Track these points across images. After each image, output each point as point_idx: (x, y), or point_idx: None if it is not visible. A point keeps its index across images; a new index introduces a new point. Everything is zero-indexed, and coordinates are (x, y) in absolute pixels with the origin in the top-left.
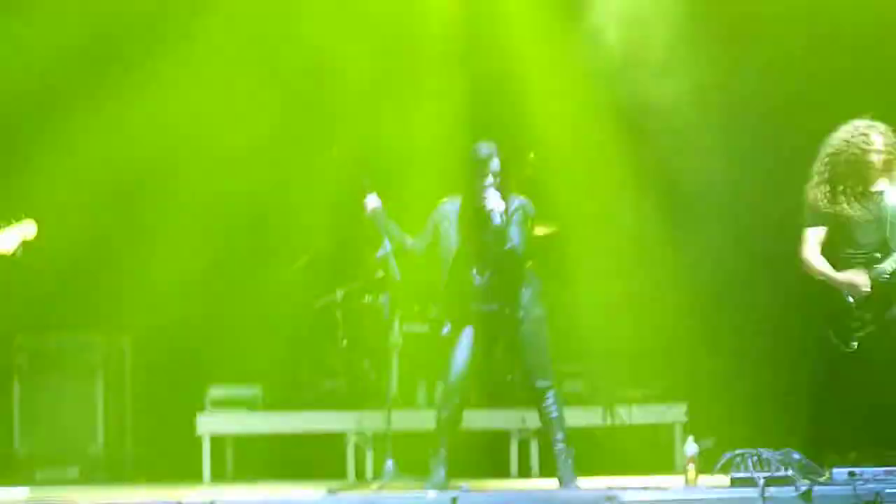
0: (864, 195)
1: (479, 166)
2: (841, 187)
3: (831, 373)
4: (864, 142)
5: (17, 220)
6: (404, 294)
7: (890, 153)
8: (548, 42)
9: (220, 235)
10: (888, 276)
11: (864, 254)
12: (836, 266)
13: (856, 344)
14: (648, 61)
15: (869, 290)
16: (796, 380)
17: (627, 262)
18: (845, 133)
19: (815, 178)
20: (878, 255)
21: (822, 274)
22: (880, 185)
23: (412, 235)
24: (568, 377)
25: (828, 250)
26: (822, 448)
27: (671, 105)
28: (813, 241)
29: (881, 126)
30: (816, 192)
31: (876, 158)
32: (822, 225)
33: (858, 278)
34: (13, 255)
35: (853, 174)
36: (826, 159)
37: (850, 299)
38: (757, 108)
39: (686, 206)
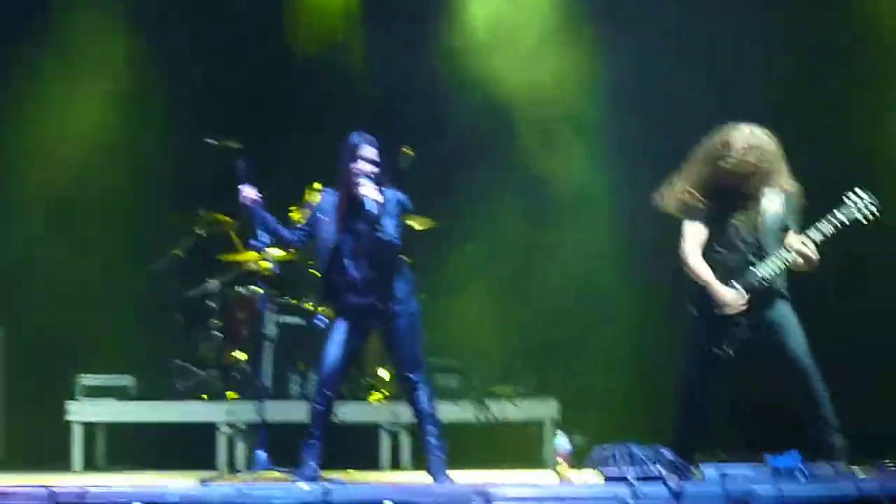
0: (744, 198)
1: (353, 155)
2: (720, 188)
3: (701, 373)
4: (745, 146)
5: None
6: (279, 286)
7: (769, 160)
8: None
9: (93, 223)
10: (761, 282)
11: (737, 256)
12: (708, 262)
13: (731, 351)
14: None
15: (740, 308)
16: (666, 380)
17: (503, 259)
18: (729, 136)
19: (695, 176)
20: (752, 257)
21: (700, 279)
22: (760, 190)
23: (289, 227)
24: (441, 372)
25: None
26: (689, 447)
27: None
28: (692, 238)
29: (763, 131)
30: (695, 191)
31: (756, 163)
32: (701, 222)
33: (732, 299)
34: None
35: (733, 176)
36: (706, 159)
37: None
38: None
39: (564, 204)
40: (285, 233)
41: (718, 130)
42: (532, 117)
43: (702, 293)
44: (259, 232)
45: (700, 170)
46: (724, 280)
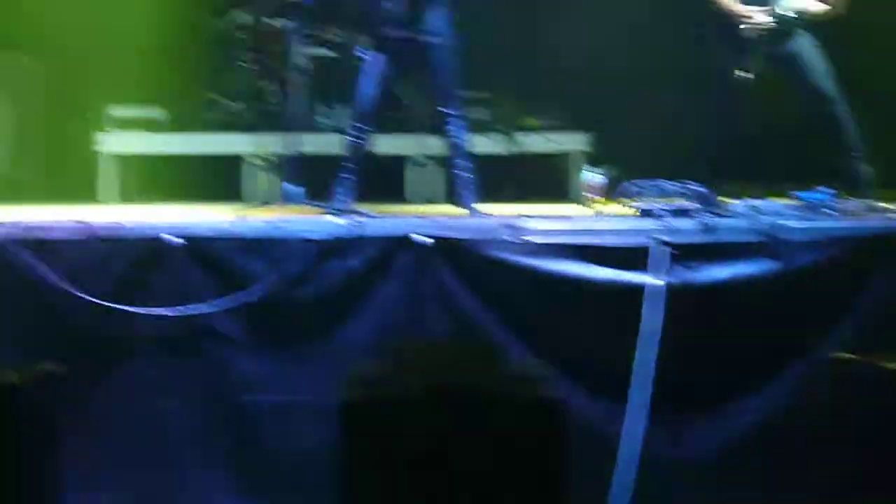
0: None
1: None
2: None
3: (727, 104)
4: None
5: None
6: (311, 17)
7: None
8: None
9: None
10: (788, 15)
11: None
12: None
13: (752, 75)
14: None
15: (767, 27)
16: (694, 110)
17: None
18: None
19: None
20: None
21: (726, 5)
22: None
23: None
24: (472, 104)
25: None
26: (714, 178)
27: None
28: None
29: None
30: None
31: None
32: None
33: (758, 15)
34: None
35: None
36: None
37: (748, 34)
38: None
39: None
40: None
41: None
42: None
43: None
44: None
45: None
46: None
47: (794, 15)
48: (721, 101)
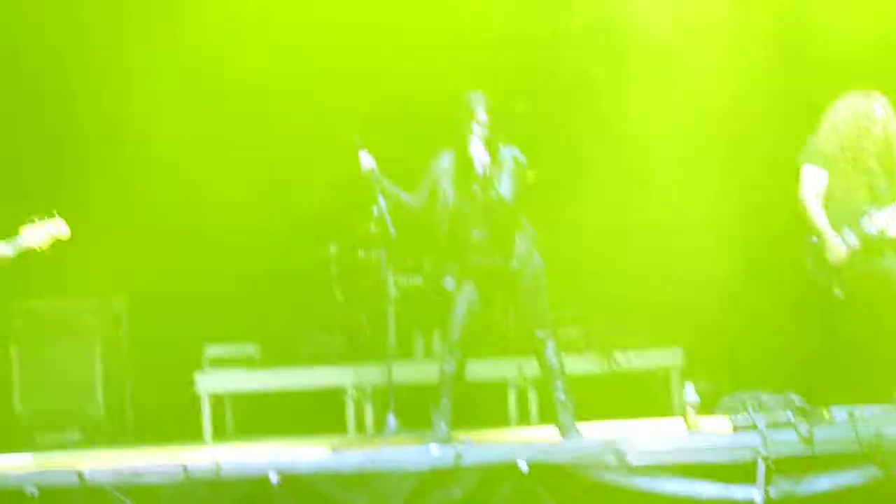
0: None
1: (467, 117)
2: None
3: (822, 318)
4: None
5: (50, 215)
6: (398, 248)
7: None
8: None
9: (213, 194)
10: (875, 233)
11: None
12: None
13: (839, 292)
14: None
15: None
16: (789, 326)
17: (622, 205)
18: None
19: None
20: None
21: (815, 225)
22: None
23: (409, 191)
24: (565, 324)
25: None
26: (815, 392)
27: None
28: (811, 183)
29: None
30: (829, 139)
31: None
32: (824, 168)
33: (839, 248)
34: (40, 250)
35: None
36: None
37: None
38: None
39: (676, 151)
40: (405, 196)
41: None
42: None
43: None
44: (378, 196)
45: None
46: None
47: (876, 234)
48: (820, 313)
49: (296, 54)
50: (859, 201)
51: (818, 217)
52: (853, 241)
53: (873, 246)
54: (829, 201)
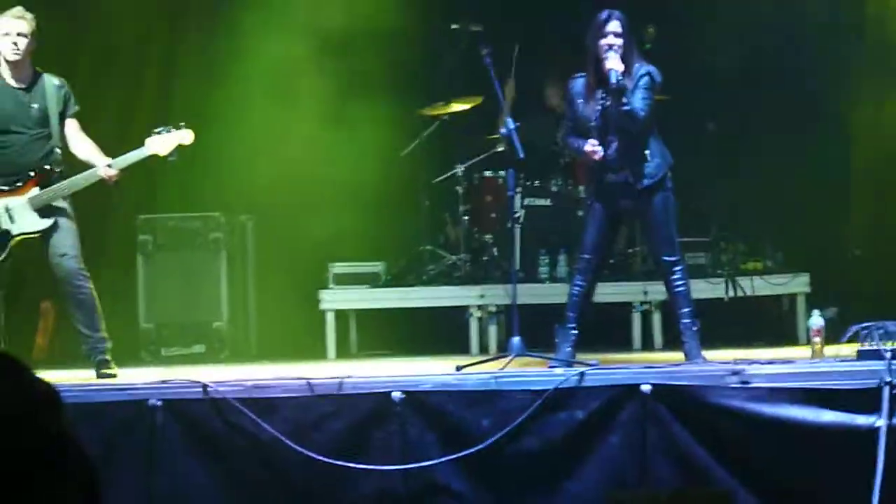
0: None
1: (600, 30)
2: None
3: None
4: None
5: (176, 125)
6: (525, 170)
7: None
8: None
9: (339, 116)
10: None
11: None
12: None
13: None
14: None
15: None
16: None
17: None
18: None
19: None
20: None
21: None
22: None
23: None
24: (692, 250)
25: None
26: None
27: None
28: None
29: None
30: None
31: None
32: None
33: None
34: (167, 157)
35: None
36: None
37: None
38: None
39: None
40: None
41: None
42: None
43: None
44: (508, 119)
45: None
46: None
47: None
48: None
49: None
50: None
51: None
52: None
53: None
54: None
